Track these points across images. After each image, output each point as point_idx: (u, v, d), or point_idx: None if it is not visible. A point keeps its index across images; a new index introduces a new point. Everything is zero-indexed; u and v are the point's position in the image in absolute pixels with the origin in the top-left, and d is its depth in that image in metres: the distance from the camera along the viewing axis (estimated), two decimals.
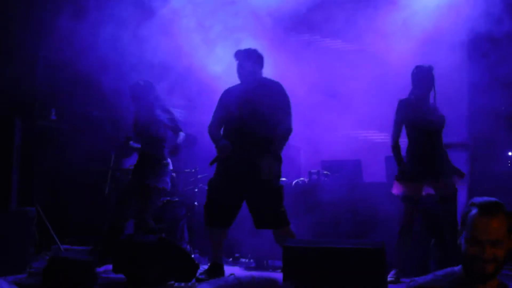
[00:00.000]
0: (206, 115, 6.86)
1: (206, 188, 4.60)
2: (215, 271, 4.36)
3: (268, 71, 4.63)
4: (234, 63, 4.54)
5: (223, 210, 4.39)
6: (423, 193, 4.71)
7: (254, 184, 4.30)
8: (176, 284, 4.19)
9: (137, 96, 5.27)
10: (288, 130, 4.40)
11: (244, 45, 4.65)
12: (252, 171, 4.27)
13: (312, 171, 6.02)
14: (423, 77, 4.76)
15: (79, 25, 5.72)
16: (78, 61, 5.97)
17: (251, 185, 4.31)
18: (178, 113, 5.37)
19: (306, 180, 6.05)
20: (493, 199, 2.32)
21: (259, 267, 5.78)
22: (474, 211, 2.28)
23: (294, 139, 6.82)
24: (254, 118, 4.30)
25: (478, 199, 2.33)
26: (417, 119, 4.71)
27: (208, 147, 6.73)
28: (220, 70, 4.84)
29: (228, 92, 4.59)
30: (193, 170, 6.53)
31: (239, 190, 4.37)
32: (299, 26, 6.30)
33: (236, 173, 4.33)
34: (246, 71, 4.47)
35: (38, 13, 6.00)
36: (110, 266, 4.94)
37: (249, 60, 4.46)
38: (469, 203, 2.34)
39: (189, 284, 4.21)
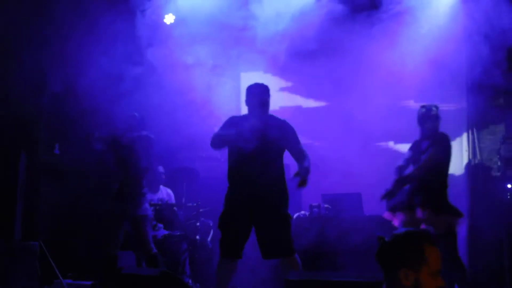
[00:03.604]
0: (206, 151, 6.92)
1: (218, 224, 4.60)
2: None
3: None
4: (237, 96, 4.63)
5: (236, 242, 4.43)
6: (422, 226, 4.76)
7: (264, 213, 4.36)
8: None
9: (129, 127, 5.36)
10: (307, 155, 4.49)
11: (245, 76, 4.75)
12: (262, 200, 4.34)
13: (313, 204, 6.06)
14: (428, 117, 4.89)
15: (84, 58, 5.84)
16: (83, 95, 6.08)
17: (261, 214, 4.37)
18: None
19: (307, 213, 6.08)
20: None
21: None
22: (419, 243, 2.18)
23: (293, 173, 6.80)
24: (266, 149, 4.39)
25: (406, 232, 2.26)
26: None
27: (209, 182, 6.80)
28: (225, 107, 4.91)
29: (237, 121, 4.59)
30: (195, 204, 6.55)
31: (249, 220, 4.42)
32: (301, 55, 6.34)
33: (246, 203, 4.39)
34: (261, 105, 4.54)
35: (44, 47, 6.12)
36: None
37: (264, 95, 4.56)
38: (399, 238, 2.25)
39: None
